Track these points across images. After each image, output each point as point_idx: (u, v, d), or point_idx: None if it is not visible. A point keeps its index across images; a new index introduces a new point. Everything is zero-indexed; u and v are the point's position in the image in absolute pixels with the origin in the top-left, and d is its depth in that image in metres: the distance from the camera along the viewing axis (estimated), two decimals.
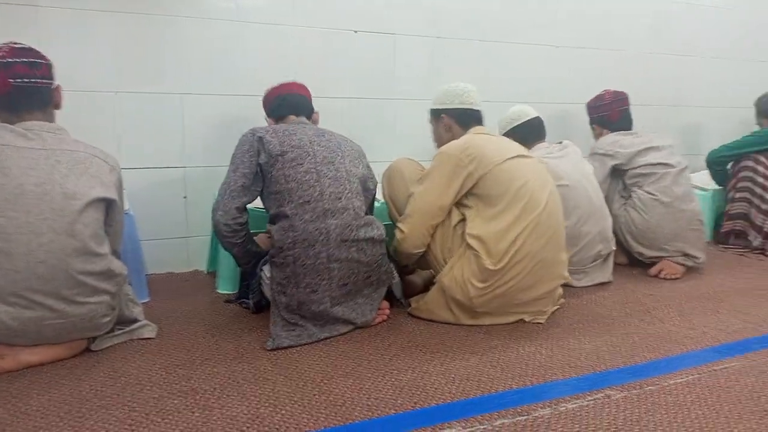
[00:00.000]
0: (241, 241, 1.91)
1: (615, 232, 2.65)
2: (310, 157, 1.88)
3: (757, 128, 3.22)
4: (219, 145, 2.54)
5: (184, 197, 2.55)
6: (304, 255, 1.78)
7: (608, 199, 2.68)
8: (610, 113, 2.83)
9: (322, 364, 1.67)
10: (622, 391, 1.52)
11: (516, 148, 2.06)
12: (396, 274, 2.06)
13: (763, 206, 2.94)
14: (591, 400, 1.48)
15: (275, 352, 1.75)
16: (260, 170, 1.88)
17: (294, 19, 2.60)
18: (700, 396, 1.50)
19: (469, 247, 1.91)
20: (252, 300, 2.04)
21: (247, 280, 2.07)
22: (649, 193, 2.58)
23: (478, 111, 2.17)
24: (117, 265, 1.69)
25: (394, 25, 2.82)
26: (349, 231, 1.84)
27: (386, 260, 1.96)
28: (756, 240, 2.99)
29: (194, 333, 1.90)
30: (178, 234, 2.58)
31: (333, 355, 1.74)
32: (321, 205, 1.82)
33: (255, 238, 1.99)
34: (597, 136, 2.88)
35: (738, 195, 3.04)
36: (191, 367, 1.65)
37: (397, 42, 2.84)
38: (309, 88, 2.21)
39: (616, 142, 2.71)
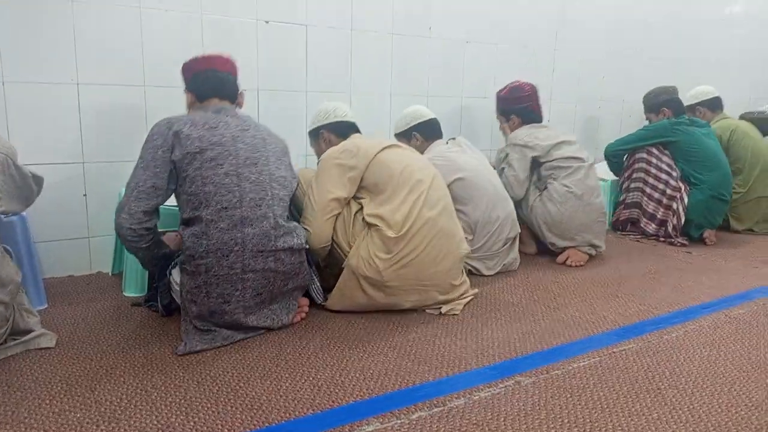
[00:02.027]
0: (147, 246, 1.80)
1: (530, 222, 2.79)
2: (231, 157, 1.76)
3: (647, 123, 3.47)
4: (121, 139, 2.40)
5: (84, 195, 2.39)
6: (217, 265, 1.69)
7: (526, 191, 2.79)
8: (531, 104, 2.87)
9: (237, 366, 1.63)
10: (530, 377, 1.60)
11: (390, 140, 2.21)
12: (316, 279, 2.03)
13: (655, 195, 3.17)
14: (502, 387, 1.54)
15: (187, 357, 1.68)
16: (174, 167, 1.74)
17: (201, 8, 2.50)
18: (602, 378, 1.60)
19: (370, 225, 1.98)
20: (161, 303, 1.94)
21: (156, 281, 1.97)
22: (565, 186, 2.69)
23: (352, 122, 2.31)
24: (8, 272, 1.56)
25: (307, 16, 2.77)
26: (266, 241, 1.76)
27: (305, 267, 1.91)
28: (649, 227, 3.22)
29: (98, 340, 1.79)
30: (78, 234, 2.41)
31: (249, 356, 1.70)
32: (239, 213, 1.72)
33: (163, 237, 1.90)
34: (511, 127, 2.90)
35: (633, 185, 3.26)
36: (95, 378, 1.55)
37: (310, 33, 2.80)
38: (233, 62, 2.05)
39: (531, 134, 2.78)
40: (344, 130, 2.27)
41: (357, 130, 2.29)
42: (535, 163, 2.79)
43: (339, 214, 2.04)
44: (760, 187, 3.41)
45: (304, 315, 1.99)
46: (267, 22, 2.67)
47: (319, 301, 2.05)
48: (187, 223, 1.75)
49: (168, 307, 1.94)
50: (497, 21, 3.40)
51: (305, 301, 2.02)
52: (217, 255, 1.69)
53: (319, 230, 2.01)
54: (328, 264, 2.16)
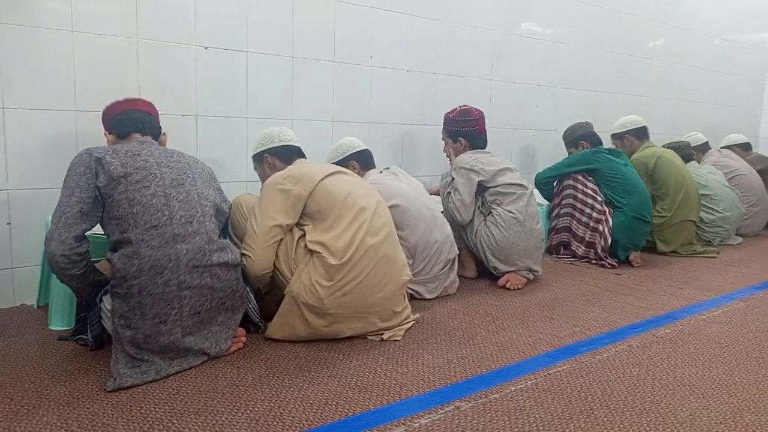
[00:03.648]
0: (82, 272, 1.72)
1: (474, 247, 2.85)
2: (157, 180, 1.76)
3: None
4: (48, 166, 2.31)
5: (8, 223, 2.28)
6: (151, 284, 1.66)
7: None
8: (478, 128, 2.94)
9: (171, 402, 1.57)
10: (470, 402, 1.61)
11: (335, 166, 2.20)
12: (252, 298, 2.01)
13: (583, 219, 3.31)
14: (442, 413, 1.55)
15: (116, 394, 1.61)
16: (99, 194, 1.72)
17: (136, 32, 2.45)
18: (537, 400, 1.63)
19: (312, 252, 1.97)
20: (92, 334, 1.85)
21: (85, 312, 1.88)
22: (509, 212, 2.76)
23: (297, 146, 2.30)
24: None
25: (248, 43, 2.77)
26: (201, 256, 1.75)
27: (241, 285, 1.89)
28: (579, 249, 3.34)
29: (19, 377, 1.69)
30: (1, 265, 2.29)
31: (183, 390, 1.64)
32: (170, 230, 1.71)
33: (96, 265, 1.82)
34: (457, 150, 2.95)
35: (563, 211, 3.39)
36: (15, 418, 1.46)
37: (250, 60, 2.79)
38: (154, 106, 2.08)
39: (477, 158, 2.84)
40: (288, 154, 2.26)
41: (302, 155, 2.29)
42: (480, 188, 2.84)
43: (281, 240, 2.03)
44: (683, 211, 3.61)
45: (241, 345, 1.95)
46: (206, 48, 2.65)
47: (256, 320, 2.02)
48: (115, 247, 1.72)
49: (98, 339, 1.85)
50: (436, 52, 3.50)
51: (242, 332, 1.98)
52: (151, 273, 1.66)
53: (261, 257, 1.98)
54: (269, 290, 2.13)
